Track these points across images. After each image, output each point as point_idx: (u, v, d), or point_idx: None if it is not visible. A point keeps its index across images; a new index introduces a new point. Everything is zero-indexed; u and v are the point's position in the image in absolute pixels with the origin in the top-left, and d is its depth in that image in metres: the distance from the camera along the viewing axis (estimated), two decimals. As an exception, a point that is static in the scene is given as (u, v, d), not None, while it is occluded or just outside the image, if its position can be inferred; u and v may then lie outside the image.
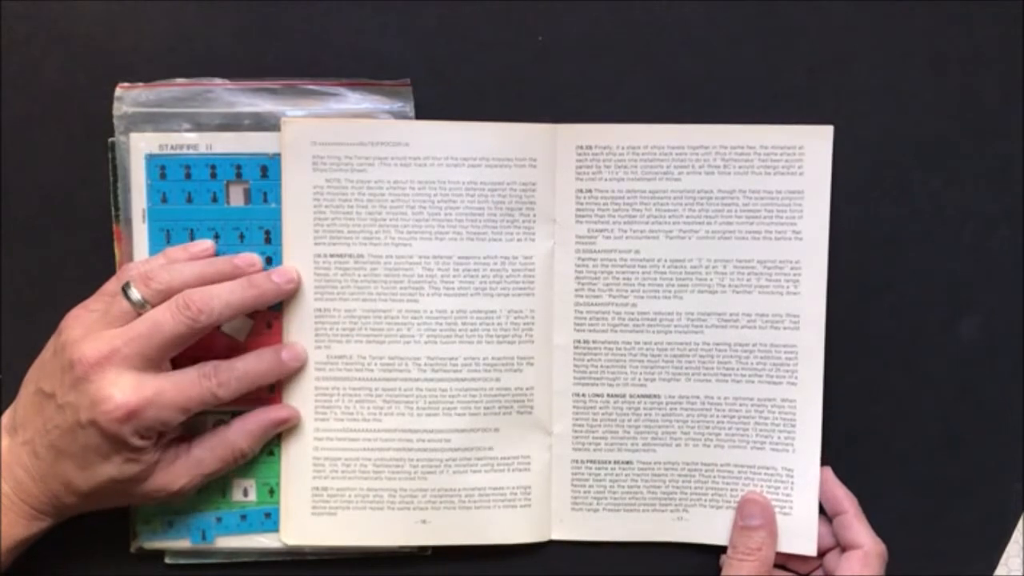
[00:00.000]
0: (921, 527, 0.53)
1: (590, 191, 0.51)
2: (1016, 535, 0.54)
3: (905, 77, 0.53)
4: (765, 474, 0.52)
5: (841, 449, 0.53)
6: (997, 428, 0.54)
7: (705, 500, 0.52)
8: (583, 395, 0.52)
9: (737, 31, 0.53)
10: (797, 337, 0.51)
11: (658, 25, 0.53)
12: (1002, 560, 0.54)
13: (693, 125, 0.51)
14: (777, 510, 0.51)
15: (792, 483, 0.51)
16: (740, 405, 0.52)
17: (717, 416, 0.52)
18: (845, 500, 0.51)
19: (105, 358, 0.45)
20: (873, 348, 0.54)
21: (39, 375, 0.47)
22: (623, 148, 0.51)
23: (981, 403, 0.54)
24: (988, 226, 0.54)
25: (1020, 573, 0.54)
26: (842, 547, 0.50)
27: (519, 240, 0.51)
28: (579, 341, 0.52)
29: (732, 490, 0.52)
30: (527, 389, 0.52)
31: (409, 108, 0.51)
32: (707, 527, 0.52)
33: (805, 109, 0.52)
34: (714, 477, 0.52)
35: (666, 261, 0.52)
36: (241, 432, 0.49)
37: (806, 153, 0.50)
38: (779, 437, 0.51)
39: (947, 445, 0.54)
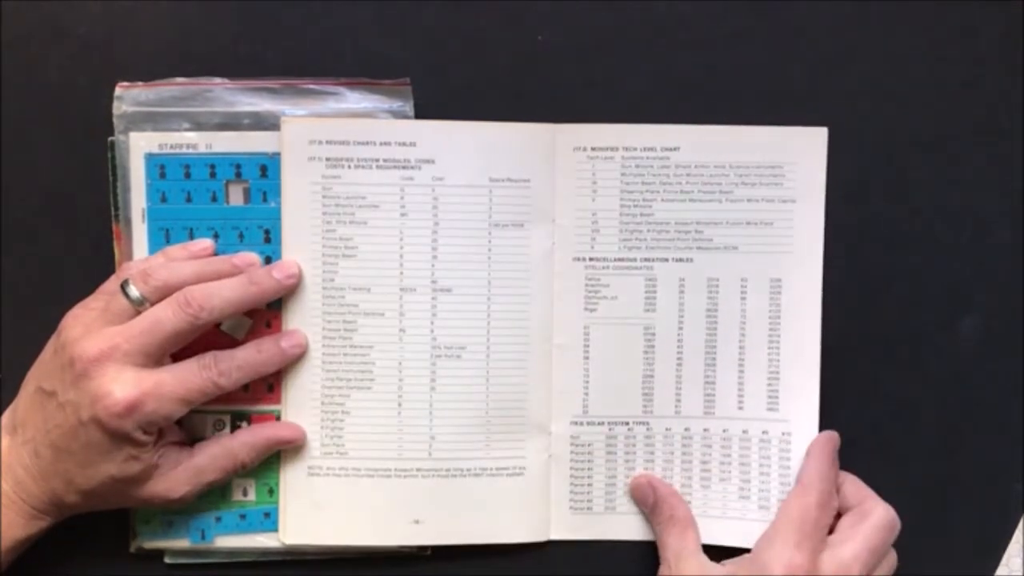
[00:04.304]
0: (921, 527, 0.53)
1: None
2: (1016, 535, 0.54)
3: (905, 77, 0.53)
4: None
5: (841, 450, 0.52)
6: (997, 428, 0.54)
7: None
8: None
9: (737, 31, 0.53)
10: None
11: (658, 25, 0.53)
12: (1003, 560, 0.54)
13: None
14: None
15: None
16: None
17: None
18: (842, 475, 0.51)
19: (105, 355, 0.45)
20: (872, 348, 0.54)
21: (39, 374, 0.47)
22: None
23: (981, 403, 0.54)
24: (988, 226, 0.53)
25: (1020, 573, 0.54)
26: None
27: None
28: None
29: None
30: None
31: (408, 107, 0.51)
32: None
33: (804, 109, 0.52)
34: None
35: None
36: (245, 445, 0.49)
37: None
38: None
39: (947, 445, 0.54)
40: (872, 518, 0.48)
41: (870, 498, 0.49)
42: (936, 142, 0.53)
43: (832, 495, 0.49)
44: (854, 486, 0.50)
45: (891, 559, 0.49)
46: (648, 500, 0.52)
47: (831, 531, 0.49)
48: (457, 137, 0.51)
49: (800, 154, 0.51)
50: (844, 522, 0.49)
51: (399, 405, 0.51)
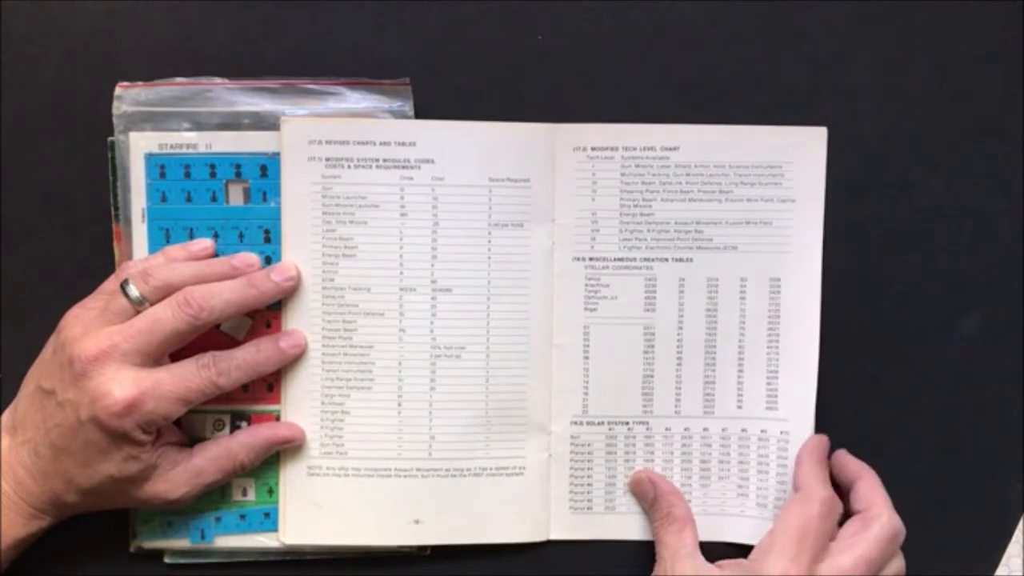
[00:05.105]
0: (921, 527, 0.53)
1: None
2: (1016, 535, 0.54)
3: (905, 77, 0.53)
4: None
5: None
6: (997, 428, 0.54)
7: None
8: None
9: (737, 31, 0.53)
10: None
11: (658, 25, 0.53)
12: (1003, 560, 0.54)
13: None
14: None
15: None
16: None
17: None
18: (861, 469, 0.51)
19: (104, 354, 0.45)
20: (872, 347, 0.53)
21: (39, 374, 0.47)
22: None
23: (981, 403, 0.54)
24: (988, 226, 0.53)
25: (1020, 573, 0.54)
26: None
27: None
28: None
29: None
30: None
31: (408, 107, 0.51)
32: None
33: (804, 109, 0.52)
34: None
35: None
36: (244, 446, 0.49)
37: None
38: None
39: (947, 445, 0.54)
40: (874, 528, 0.48)
41: (877, 504, 0.49)
42: (936, 142, 0.53)
43: (835, 501, 0.49)
44: (868, 486, 0.50)
45: (898, 563, 0.49)
46: (648, 495, 0.52)
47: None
48: (457, 137, 0.51)
49: (800, 154, 0.51)
50: (847, 529, 0.48)
51: (399, 405, 0.51)
